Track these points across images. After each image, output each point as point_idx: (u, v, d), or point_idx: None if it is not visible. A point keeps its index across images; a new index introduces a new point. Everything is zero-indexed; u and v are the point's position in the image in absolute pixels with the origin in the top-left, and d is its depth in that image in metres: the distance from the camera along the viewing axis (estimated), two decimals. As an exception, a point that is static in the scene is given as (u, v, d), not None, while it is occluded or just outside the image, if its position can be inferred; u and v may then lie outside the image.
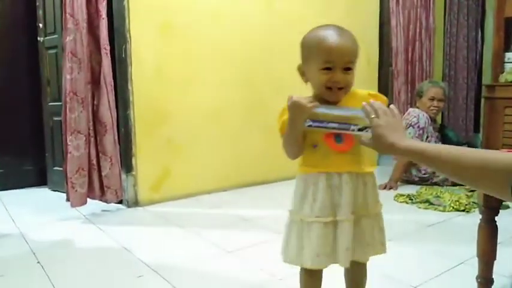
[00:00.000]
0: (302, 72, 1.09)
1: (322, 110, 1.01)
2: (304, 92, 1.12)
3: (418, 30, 4.21)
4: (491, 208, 1.26)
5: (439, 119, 3.81)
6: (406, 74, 4.21)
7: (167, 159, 2.75)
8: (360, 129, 0.99)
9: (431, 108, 3.14)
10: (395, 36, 4.06)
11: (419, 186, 2.98)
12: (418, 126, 3.04)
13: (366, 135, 0.98)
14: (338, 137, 1.05)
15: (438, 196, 2.59)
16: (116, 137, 2.46)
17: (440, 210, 2.42)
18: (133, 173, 2.61)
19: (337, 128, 1.01)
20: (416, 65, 4.28)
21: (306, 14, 3.26)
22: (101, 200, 2.48)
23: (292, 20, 3.19)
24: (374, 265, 1.16)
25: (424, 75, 4.24)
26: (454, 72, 4.66)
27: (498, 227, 1.25)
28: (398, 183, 3.07)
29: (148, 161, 2.67)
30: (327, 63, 1.01)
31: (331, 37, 1.02)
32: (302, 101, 0.99)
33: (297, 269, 1.13)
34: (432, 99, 3.14)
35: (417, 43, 4.24)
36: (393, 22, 4.03)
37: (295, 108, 1.00)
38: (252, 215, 2.41)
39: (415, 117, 3.07)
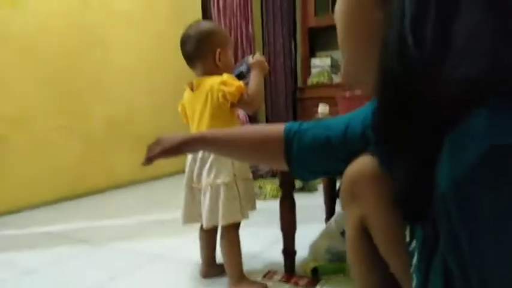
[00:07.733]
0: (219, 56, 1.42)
1: None
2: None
3: (239, 38, 4.48)
4: (288, 183, 1.38)
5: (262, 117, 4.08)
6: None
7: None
8: None
9: None
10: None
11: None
12: None
13: None
14: None
15: (260, 187, 2.76)
16: None
17: (261, 200, 2.58)
18: None
19: None
20: (240, 71, 4.54)
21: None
22: None
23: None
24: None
25: (247, 82, 4.52)
26: (275, 78, 5.09)
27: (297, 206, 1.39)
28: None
29: None
30: None
31: None
32: None
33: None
34: None
35: (239, 51, 4.51)
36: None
37: None
38: (66, 229, 2.18)
39: None
